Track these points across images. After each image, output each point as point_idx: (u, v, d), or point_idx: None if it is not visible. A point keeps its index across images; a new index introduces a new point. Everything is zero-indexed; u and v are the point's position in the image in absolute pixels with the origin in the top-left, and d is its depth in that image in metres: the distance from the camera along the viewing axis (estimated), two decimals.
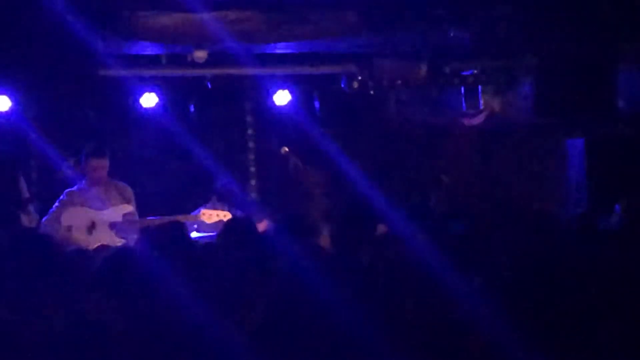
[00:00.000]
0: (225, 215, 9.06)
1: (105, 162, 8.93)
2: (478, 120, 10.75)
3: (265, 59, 10.23)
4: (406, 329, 5.06)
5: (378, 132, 11.34)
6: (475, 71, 10.46)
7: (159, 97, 10.40)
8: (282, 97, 10.73)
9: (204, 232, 9.04)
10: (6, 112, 9.99)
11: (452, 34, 9.36)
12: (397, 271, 5.64)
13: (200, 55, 9.75)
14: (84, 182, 9.01)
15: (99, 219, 8.78)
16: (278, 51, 10.18)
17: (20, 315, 4.70)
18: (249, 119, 11.51)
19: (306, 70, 10.68)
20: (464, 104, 10.72)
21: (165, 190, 11.06)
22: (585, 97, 9.58)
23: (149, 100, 10.39)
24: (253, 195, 11.15)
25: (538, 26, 9.33)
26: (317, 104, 11.18)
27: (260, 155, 11.38)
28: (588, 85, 9.55)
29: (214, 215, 9.11)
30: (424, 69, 10.28)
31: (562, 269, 5.34)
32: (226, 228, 7.08)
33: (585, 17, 9.18)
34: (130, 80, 10.13)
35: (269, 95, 10.77)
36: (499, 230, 7.76)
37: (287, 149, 10.14)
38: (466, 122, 10.82)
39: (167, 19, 9.05)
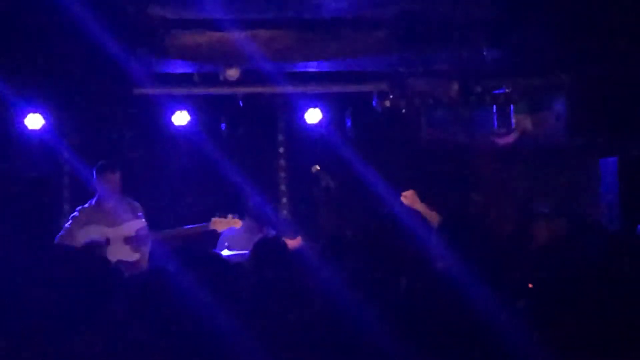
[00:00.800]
0: (235, 222, 9.09)
1: (117, 178, 8.95)
2: (510, 139, 10.70)
3: (297, 77, 10.25)
4: (441, 352, 5.03)
5: (409, 151, 11.32)
6: (507, 90, 10.42)
7: (190, 115, 10.44)
8: (313, 116, 10.74)
9: (236, 250, 9.04)
10: (39, 130, 10.05)
11: (484, 53, 9.35)
12: (431, 292, 5.62)
13: (232, 73, 9.78)
14: (95, 198, 9.02)
15: (113, 234, 8.82)
16: (309, 69, 10.21)
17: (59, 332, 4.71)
18: (280, 137, 11.52)
19: (337, 88, 10.69)
20: (495, 123, 10.68)
21: (197, 208, 11.07)
22: (618, 116, 9.55)
23: (180, 118, 10.43)
24: (284, 213, 11.15)
25: (571, 45, 9.30)
26: (348, 123, 11.19)
27: (292, 174, 11.39)
28: (620, 105, 9.52)
29: (224, 223, 9.14)
30: (455, 87, 10.26)
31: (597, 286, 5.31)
32: (257, 248, 7.08)
33: (618, 36, 9.15)
34: (162, 98, 10.19)
35: (301, 113, 10.78)
36: (529, 250, 7.73)
37: (318, 168, 10.12)
38: (498, 141, 10.77)
39: (199, 38, 9.09)
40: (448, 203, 10.74)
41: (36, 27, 8.61)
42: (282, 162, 11.52)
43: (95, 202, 9.02)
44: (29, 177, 10.81)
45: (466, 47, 9.41)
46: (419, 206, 8.70)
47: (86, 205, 9.04)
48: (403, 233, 7.85)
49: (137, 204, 9.17)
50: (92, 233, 8.82)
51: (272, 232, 9.20)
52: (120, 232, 8.86)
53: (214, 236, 9.29)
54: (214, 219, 9.18)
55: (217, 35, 9.03)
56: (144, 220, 9.05)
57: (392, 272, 6.09)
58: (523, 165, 11.12)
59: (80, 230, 8.83)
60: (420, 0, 8.83)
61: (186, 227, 9.03)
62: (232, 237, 9.26)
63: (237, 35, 9.00)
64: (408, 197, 8.75)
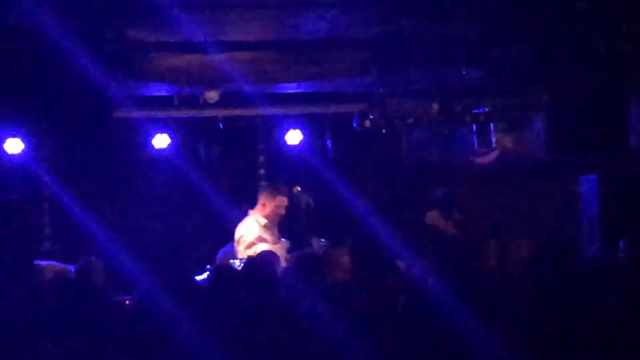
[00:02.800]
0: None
1: (286, 202, 9.30)
2: (490, 158, 10.73)
3: (277, 99, 10.26)
4: None
5: (390, 170, 11.33)
6: (487, 109, 10.46)
7: (171, 137, 10.42)
8: (293, 137, 10.74)
9: None
10: (19, 154, 10.01)
11: (464, 72, 9.37)
12: (413, 311, 5.63)
13: (212, 95, 9.77)
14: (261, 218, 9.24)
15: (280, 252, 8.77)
16: (289, 91, 10.22)
17: None
18: (260, 158, 11.52)
19: (318, 109, 10.70)
20: (475, 142, 10.70)
21: (178, 229, 11.05)
22: (598, 134, 9.57)
23: (161, 141, 10.41)
24: None
25: (549, 64, 9.34)
26: (328, 143, 11.19)
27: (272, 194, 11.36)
28: (600, 122, 9.54)
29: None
30: (435, 107, 10.28)
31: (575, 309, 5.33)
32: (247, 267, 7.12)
33: (596, 54, 9.19)
34: (142, 121, 10.17)
35: (281, 134, 10.78)
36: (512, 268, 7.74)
37: (299, 189, 10.12)
38: (478, 160, 10.80)
39: (179, 60, 9.09)
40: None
41: (14, 52, 8.58)
42: (263, 183, 11.51)
43: (265, 221, 9.27)
44: (9, 201, 10.76)
45: (445, 67, 9.44)
46: (442, 224, 8.96)
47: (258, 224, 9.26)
48: (382, 253, 7.85)
49: None
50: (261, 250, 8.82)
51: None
52: (279, 252, 8.91)
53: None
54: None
55: (197, 57, 9.02)
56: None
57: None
58: (503, 184, 11.14)
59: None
60: (399, 21, 8.84)
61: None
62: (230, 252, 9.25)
63: (216, 58, 9.00)
64: (432, 216, 8.92)
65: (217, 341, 5.19)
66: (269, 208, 9.30)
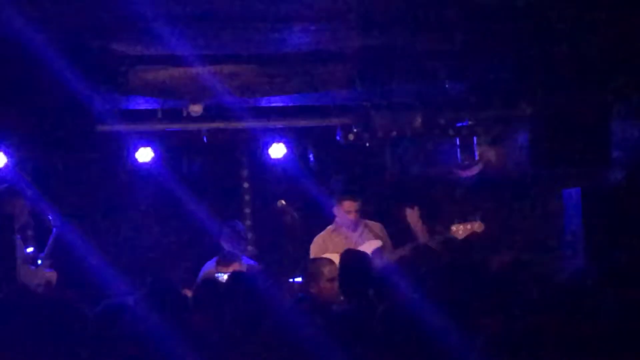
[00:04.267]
0: (479, 226, 9.47)
1: (357, 205, 9.43)
2: (473, 171, 10.75)
3: (261, 112, 10.26)
4: None
5: (374, 183, 11.34)
6: (470, 122, 10.49)
7: (154, 151, 10.40)
8: (277, 150, 10.73)
9: None
10: (1, 168, 9.96)
11: (447, 86, 9.40)
12: (396, 323, 5.62)
13: (196, 109, 9.77)
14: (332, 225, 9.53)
15: None
16: (273, 104, 10.22)
17: None
18: (244, 172, 11.51)
19: (301, 123, 10.70)
20: (459, 155, 10.73)
21: (161, 243, 11.02)
22: (581, 147, 9.62)
23: (144, 154, 10.39)
24: (250, 248, 11.12)
25: (532, 77, 9.38)
26: (312, 157, 11.19)
27: (256, 209, 11.37)
28: (583, 136, 9.59)
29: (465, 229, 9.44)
30: (419, 120, 10.30)
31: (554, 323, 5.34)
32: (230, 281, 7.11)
33: (579, 68, 9.24)
34: (126, 135, 10.15)
35: (265, 148, 10.77)
36: (495, 282, 7.74)
37: (283, 202, 10.13)
38: (462, 173, 10.82)
39: (163, 74, 9.08)
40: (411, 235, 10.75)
41: None
42: (246, 197, 11.50)
43: (334, 227, 9.58)
44: None
45: (429, 80, 9.47)
46: (418, 225, 9.23)
47: (324, 232, 9.56)
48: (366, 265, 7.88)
49: (380, 226, 9.70)
50: None
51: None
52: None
53: None
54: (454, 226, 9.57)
55: (181, 71, 9.03)
56: (382, 241, 9.44)
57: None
58: (487, 197, 11.16)
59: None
60: (381, 34, 8.86)
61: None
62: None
63: (200, 71, 9.00)
64: (412, 214, 9.23)
65: (201, 354, 5.18)
66: (338, 217, 9.60)
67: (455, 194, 11.25)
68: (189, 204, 10.30)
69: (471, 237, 9.68)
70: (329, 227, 9.61)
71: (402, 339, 5.37)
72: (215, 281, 7.96)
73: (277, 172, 11.04)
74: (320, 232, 9.78)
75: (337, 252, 8.63)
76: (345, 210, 9.55)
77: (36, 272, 8.96)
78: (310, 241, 9.74)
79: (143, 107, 9.97)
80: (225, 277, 8.59)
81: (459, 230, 9.65)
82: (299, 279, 8.73)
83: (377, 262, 8.55)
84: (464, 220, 9.75)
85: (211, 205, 10.57)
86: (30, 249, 9.45)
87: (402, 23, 8.54)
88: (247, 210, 11.41)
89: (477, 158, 10.65)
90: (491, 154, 10.71)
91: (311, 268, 8.03)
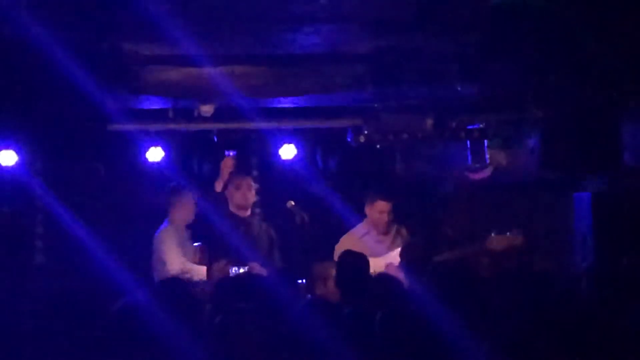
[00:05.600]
0: (519, 240, 9.28)
1: (390, 206, 9.33)
2: (484, 174, 10.73)
3: (271, 113, 10.26)
4: None
5: (384, 185, 11.32)
6: (481, 125, 10.47)
7: (165, 151, 10.40)
8: (287, 151, 10.73)
9: None
10: (12, 166, 9.99)
11: (458, 88, 9.39)
12: (403, 327, 5.62)
13: (207, 109, 9.78)
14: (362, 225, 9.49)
15: (376, 266, 8.62)
16: (284, 105, 10.22)
17: None
18: (254, 173, 11.50)
19: (312, 124, 10.70)
20: (469, 158, 10.71)
21: None
22: (592, 151, 9.60)
23: (155, 154, 10.39)
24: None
25: (544, 80, 9.36)
26: (322, 158, 11.19)
27: (266, 210, 11.36)
28: (594, 139, 9.57)
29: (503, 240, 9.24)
30: (429, 122, 10.29)
31: (565, 325, 5.33)
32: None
33: (590, 71, 9.22)
34: (136, 134, 10.16)
35: (275, 149, 10.77)
36: (504, 286, 7.73)
37: (293, 203, 10.12)
38: (472, 176, 10.80)
39: (174, 74, 9.09)
40: (421, 238, 10.74)
41: (8, 64, 8.59)
42: (256, 197, 11.49)
43: (364, 229, 9.56)
44: (2, 213, 10.75)
45: (440, 83, 9.45)
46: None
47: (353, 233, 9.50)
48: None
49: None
50: None
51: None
52: (381, 263, 8.95)
53: None
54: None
55: (192, 71, 9.03)
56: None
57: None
58: (497, 201, 11.14)
59: None
60: (393, 36, 8.86)
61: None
62: None
63: (211, 71, 9.00)
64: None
65: (210, 351, 5.19)
66: (370, 217, 9.55)
67: (466, 197, 11.24)
68: (198, 204, 10.29)
69: (509, 250, 9.49)
70: (358, 229, 9.48)
71: (402, 344, 5.38)
72: (230, 281, 7.94)
73: (287, 173, 11.03)
74: (329, 233, 9.77)
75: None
76: (379, 210, 9.44)
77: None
78: (319, 242, 9.73)
79: (154, 106, 9.98)
80: (240, 270, 8.61)
81: (496, 241, 9.43)
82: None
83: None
84: (502, 231, 9.54)
85: (220, 205, 10.55)
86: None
87: (413, 25, 8.54)
88: (257, 211, 11.40)
89: (487, 161, 10.63)
90: (502, 157, 10.68)
91: (317, 270, 8.02)
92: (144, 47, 8.72)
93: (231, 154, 9.80)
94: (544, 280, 6.84)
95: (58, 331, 5.15)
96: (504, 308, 6.13)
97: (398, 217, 10.22)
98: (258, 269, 8.99)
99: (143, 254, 9.18)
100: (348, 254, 8.21)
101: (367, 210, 9.68)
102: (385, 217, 9.55)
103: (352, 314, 6.17)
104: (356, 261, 7.90)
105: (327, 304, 7.37)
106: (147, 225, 10.40)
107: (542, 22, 8.66)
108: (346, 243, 9.38)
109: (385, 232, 9.58)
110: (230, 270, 8.74)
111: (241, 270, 8.56)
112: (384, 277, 7.59)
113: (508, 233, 9.47)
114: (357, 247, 9.05)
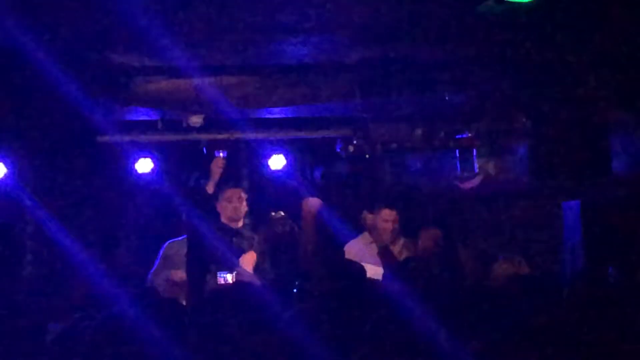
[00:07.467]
0: (524, 269, 8.90)
1: (395, 215, 9.32)
2: (473, 183, 10.74)
3: (260, 124, 10.27)
4: None
5: (373, 195, 11.33)
6: (470, 134, 10.49)
7: (154, 162, 10.40)
8: (277, 162, 10.73)
9: None
10: (1, 179, 9.97)
11: (447, 97, 9.41)
12: (392, 332, 5.62)
13: (196, 120, 9.78)
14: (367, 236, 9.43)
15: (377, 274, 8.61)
16: (273, 115, 10.23)
17: None
18: (244, 183, 11.50)
19: (301, 134, 10.71)
20: (458, 167, 10.72)
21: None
22: (581, 159, 9.61)
23: (144, 165, 10.39)
24: None
25: (532, 89, 9.39)
26: (312, 168, 11.20)
27: (255, 220, 11.35)
28: (583, 148, 9.59)
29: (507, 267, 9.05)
30: (418, 132, 10.31)
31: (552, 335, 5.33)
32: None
33: (579, 80, 9.24)
34: (126, 145, 10.16)
35: (264, 159, 10.77)
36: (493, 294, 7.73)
37: (282, 214, 10.11)
38: (461, 185, 10.81)
39: (163, 85, 9.09)
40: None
41: None
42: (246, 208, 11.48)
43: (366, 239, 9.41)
44: None
45: (429, 92, 9.47)
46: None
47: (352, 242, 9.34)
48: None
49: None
50: None
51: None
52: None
53: None
54: None
55: (181, 82, 9.03)
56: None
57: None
58: (486, 209, 11.16)
59: None
60: (382, 46, 8.87)
61: None
62: None
63: (200, 82, 9.01)
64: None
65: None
66: (374, 226, 9.48)
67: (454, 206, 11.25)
68: (188, 215, 10.27)
69: (513, 278, 9.36)
70: (365, 237, 9.46)
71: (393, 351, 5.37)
72: (218, 291, 7.92)
73: (277, 184, 11.04)
74: (318, 242, 9.73)
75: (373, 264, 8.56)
76: (383, 219, 9.43)
77: None
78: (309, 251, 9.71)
79: (143, 117, 9.99)
80: (228, 277, 8.58)
81: (500, 269, 9.25)
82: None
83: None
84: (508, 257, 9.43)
85: (210, 216, 10.54)
86: None
87: (402, 35, 8.55)
88: (247, 221, 11.38)
89: (476, 170, 10.64)
90: (491, 166, 10.70)
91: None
92: (133, 58, 8.71)
93: (221, 154, 9.77)
94: (532, 287, 6.85)
95: (45, 343, 5.14)
96: (491, 315, 6.13)
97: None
98: (247, 275, 8.97)
99: (132, 262, 9.15)
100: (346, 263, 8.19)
101: (370, 219, 9.57)
102: (390, 226, 9.46)
103: (343, 321, 6.17)
104: (352, 271, 7.88)
105: (316, 312, 7.37)
106: (137, 237, 10.39)
107: (530, 31, 8.68)
108: (351, 251, 9.30)
109: (393, 242, 9.48)
110: (218, 275, 8.72)
111: (229, 276, 8.52)
112: (377, 284, 7.59)
113: (513, 262, 9.30)
114: (364, 255, 9.03)
